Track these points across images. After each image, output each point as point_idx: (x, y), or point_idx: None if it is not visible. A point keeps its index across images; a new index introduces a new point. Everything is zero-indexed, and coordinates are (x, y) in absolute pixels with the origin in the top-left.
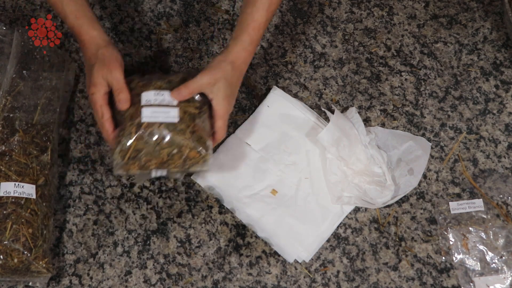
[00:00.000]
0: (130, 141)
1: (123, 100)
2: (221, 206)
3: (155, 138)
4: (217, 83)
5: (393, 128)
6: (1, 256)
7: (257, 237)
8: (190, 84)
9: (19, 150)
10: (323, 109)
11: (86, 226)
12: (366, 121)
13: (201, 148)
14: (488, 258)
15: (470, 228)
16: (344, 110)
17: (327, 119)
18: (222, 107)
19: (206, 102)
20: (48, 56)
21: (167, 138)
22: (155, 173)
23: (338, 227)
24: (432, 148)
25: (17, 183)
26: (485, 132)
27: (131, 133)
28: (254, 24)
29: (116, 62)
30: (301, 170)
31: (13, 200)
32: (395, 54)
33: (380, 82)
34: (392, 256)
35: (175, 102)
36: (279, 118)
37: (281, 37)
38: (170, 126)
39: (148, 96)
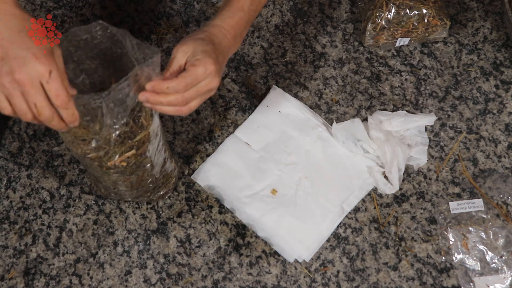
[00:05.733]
0: (382, 14)
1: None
2: (221, 206)
3: (402, 9)
4: (193, 46)
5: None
6: None
7: (257, 237)
8: (172, 65)
9: None
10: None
11: (86, 226)
12: (366, 121)
13: (441, 16)
14: (488, 258)
15: (470, 228)
16: (344, 111)
17: (327, 119)
18: (202, 61)
19: None
20: None
21: (414, 9)
22: (398, 42)
23: (338, 227)
24: (432, 148)
25: None
26: (485, 132)
27: (383, 7)
28: (237, 3)
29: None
30: (301, 170)
31: None
32: (395, 54)
33: (380, 82)
34: (392, 256)
35: None
36: (279, 118)
37: (281, 37)
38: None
39: None
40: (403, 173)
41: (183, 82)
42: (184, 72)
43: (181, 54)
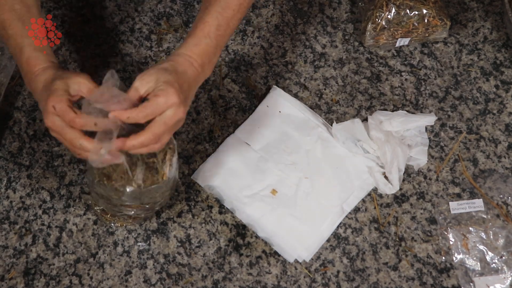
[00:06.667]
0: (382, 14)
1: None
2: (221, 206)
3: (402, 10)
4: (156, 76)
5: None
6: None
7: (257, 237)
8: (129, 93)
9: None
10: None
11: (86, 226)
12: (366, 121)
13: (441, 16)
14: (488, 258)
15: (470, 228)
16: (344, 111)
17: (327, 119)
18: (164, 92)
19: None
20: None
21: (414, 9)
22: (399, 43)
23: (338, 227)
24: (432, 148)
25: None
26: (485, 132)
27: (383, 7)
28: (203, 26)
29: (82, 73)
30: (301, 170)
31: None
32: (395, 54)
33: (380, 82)
34: (392, 256)
35: None
36: (279, 118)
37: (281, 37)
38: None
39: None
40: (403, 173)
41: (143, 112)
42: (145, 102)
43: (140, 84)
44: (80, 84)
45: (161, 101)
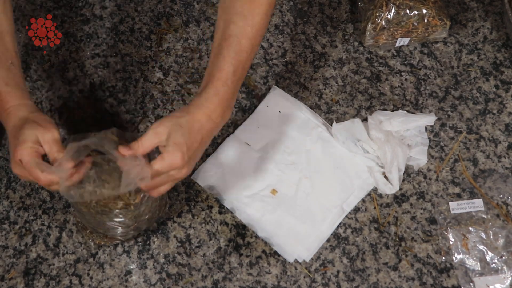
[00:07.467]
0: (382, 14)
1: (63, 163)
2: (221, 206)
3: (402, 9)
4: (169, 131)
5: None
6: None
7: (257, 237)
8: (142, 140)
9: None
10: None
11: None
12: (366, 121)
13: (441, 16)
14: (488, 258)
15: (470, 228)
16: (344, 111)
17: (327, 119)
18: (170, 155)
19: None
20: None
21: (414, 9)
22: (398, 43)
23: (338, 227)
24: (432, 148)
25: None
26: (485, 132)
27: (383, 7)
28: (220, 74)
29: (53, 125)
30: (301, 170)
31: None
32: (395, 54)
33: (380, 82)
34: (392, 256)
35: None
36: (278, 118)
37: (281, 37)
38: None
39: None
40: (403, 173)
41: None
42: (153, 161)
43: (153, 135)
44: (45, 143)
45: (166, 164)
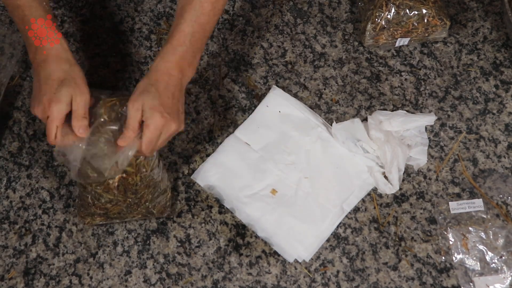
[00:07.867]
0: (382, 14)
1: (83, 127)
2: (221, 206)
3: (402, 9)
4: (142, 101)
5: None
6: None
7: (257, 237)
8: (128, 124)
9: None
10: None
11: (86, 226)
12: (366, 121)
13: (441, 16)
14: (488, 258)
15: (470, 228)
16: (344, 111)
17: (327, 119)
18: (151, 119)
19: None
20: None
21: (414, 9)
22: (398, 43)
23: (338, 226)
24: (432, 148)
25: None
26: (485, 132)
27: (383, 7)
28: (179, 35)
29: (86, 86)
30: (301, 170)
31: None
32: (395, 54)
33: (380, 82)
34: (392, 256)
35: None
36: (278, 118)
37: (281, 37)
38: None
39: None
40: (403, 173)
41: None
42: (142, 133)
43: (135, 113)
44: (75, 103)
45: (152, 129)
